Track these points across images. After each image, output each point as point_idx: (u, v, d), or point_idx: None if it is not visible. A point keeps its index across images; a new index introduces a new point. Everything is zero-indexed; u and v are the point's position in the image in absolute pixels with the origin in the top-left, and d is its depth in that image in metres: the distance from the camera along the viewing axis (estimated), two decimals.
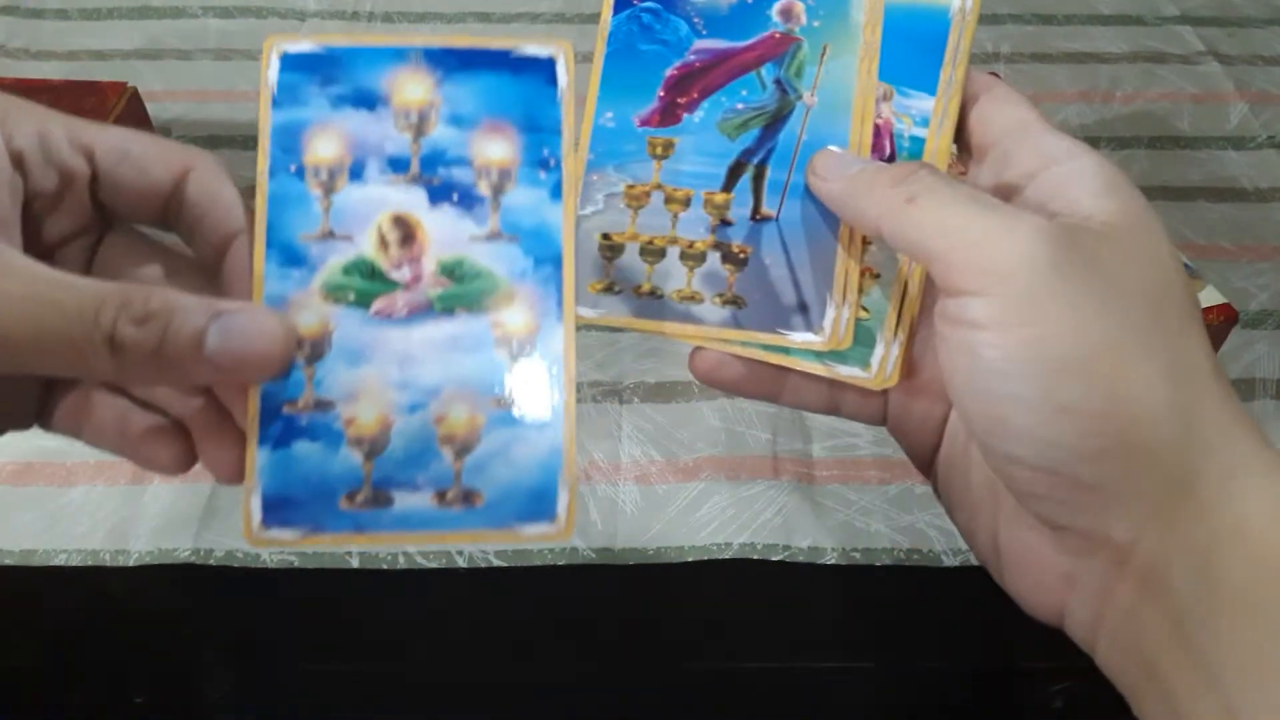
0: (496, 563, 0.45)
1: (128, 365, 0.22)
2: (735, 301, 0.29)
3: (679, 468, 0.48)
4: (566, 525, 0.25)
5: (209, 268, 0.27)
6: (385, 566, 0.45)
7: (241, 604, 0.45)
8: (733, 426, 0.49)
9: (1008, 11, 0.73)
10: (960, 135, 0.29)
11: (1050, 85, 0.68)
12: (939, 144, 0.28)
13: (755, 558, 0.45)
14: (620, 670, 0.43)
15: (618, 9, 0.30)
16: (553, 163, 0.27)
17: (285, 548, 0.26)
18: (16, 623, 0.44)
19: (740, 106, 0.29)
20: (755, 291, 0.28)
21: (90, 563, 0.44)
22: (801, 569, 0.45)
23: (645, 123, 0.29)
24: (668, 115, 0.29)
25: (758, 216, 0.29)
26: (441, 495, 0.25)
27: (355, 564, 0.45)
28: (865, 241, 0.29)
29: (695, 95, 0.29)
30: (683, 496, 0.47)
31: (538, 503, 0.25)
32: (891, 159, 0.29)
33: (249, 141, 0.62)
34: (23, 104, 0.25)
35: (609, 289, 0.29)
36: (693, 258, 0.29)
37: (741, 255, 0.29)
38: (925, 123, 0.29)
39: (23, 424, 0.27)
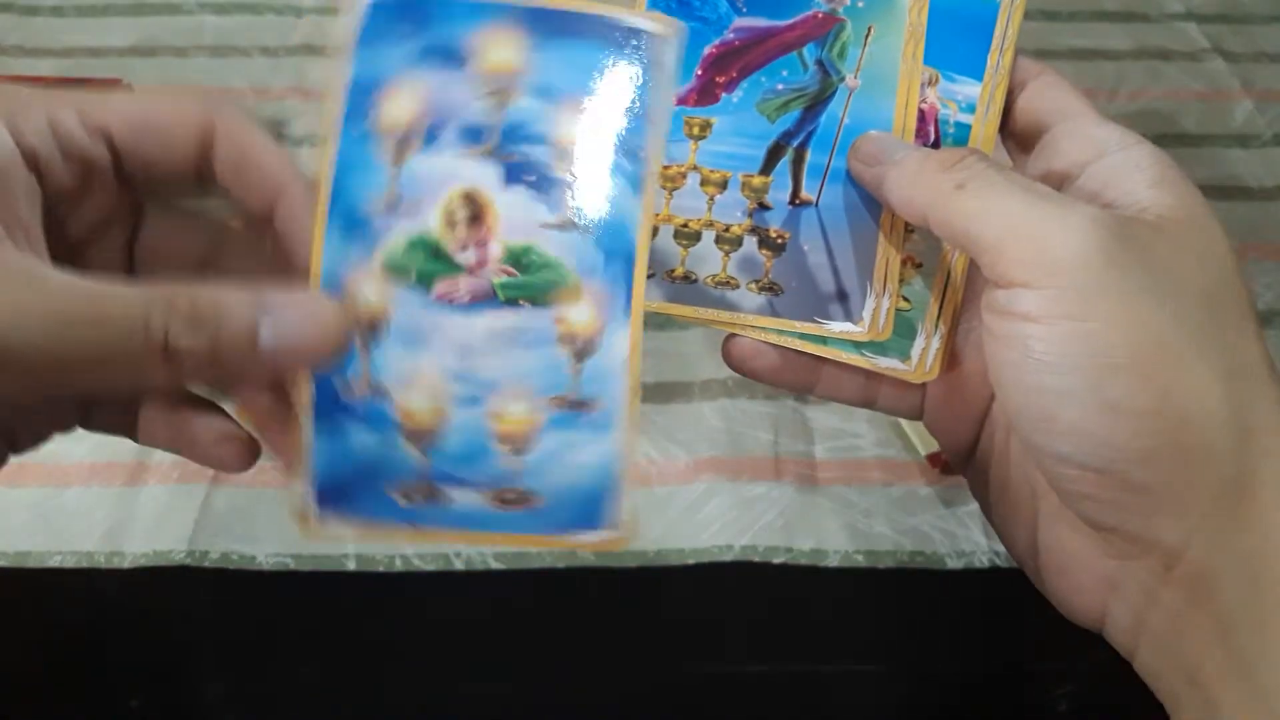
0: (495, 565, 0.44)
1: (185, 372, 0.21)
2: (772, 288, 0.28)
3: (680, 469, 0.47)
4: (627, 532, 0.25)
5: (258, 226, 0.25)
6: (382, 569, 0.44)
7: (237, 606, 0.44)
8: (734, 427, 0.49)
9: None
10: (1006, 123, 0.28)
11: None
12: (985, 131, 0.28)
13: (757, 560, 0.44)
14: (621, 673, 0.43)
15: None
16: (640, 153, 0.25)
17: (341, 542, 0.25)
18: (10, 625, 0.44)
19: (780, 87, 0.28)
20: (792, 278, 0.28)
21: (85, 564, 0.44)
22: (804, 571, 0.44)
23: (682, 101, 0.29)
24: (705, 94, 0.29)
25: (797, 201, 0.28)
26: (499, 495, 0.25)
27: (352, 566, 0.44)
28: (908, 230, 0.28)
29: (734, 74, 0.29)
30: (684, 498, 0.46)
31: (595, 508, 0.25)
32: (936, 145, 0.28)
33: None
34: (26, 93, 0.23)
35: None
36: (729, 242, 0.28)
37: (779, 240, 0.28)
38: (971, 109, 0.28)
39: (66, 427, 0.26)
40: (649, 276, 0.27)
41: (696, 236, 0.28)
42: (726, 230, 0.28)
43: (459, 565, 0.44)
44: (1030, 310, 0.23)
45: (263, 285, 0.22)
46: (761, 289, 0.28)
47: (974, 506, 0.46)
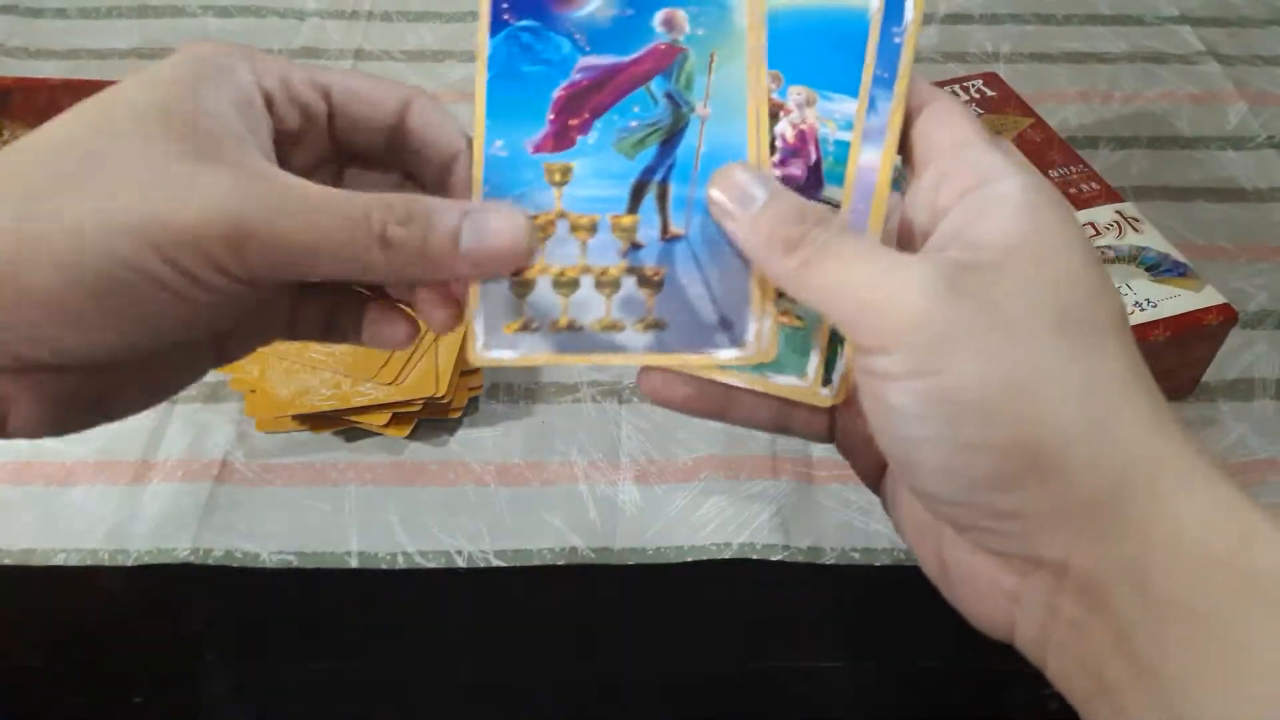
0: (496, 563, 0.45)
1: (398, 263, 0.25)
2: (657, 325, 0.28)
3: (678, 468, 0.48)
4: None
5: (436, 187, 0.29)
6: (385, 566, 0.45)
7: (241, 603, 0.45)
8: (732, 427, 0.49)
9: (1007, 11, 0.73)
10: (901, 147, 0.28)
11: (1050, 85, 0.68)
12: (882, 160, 0.28)
13: (754, 558, 0.45)
14: (619, 670, 0.43)
15: (494, 30, 0.29)
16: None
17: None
18: (16, 622, 0.44)
19: (634, 124, 0.28)
20: (676, 313, 0.28)
21: (89, 562, 0.44)
22: (800, 569, 0.45)
23: (539, 148, 0.28)
24: (561, 138, 0.28)
25: (667, 236, 0.28)
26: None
27: (354, 564, 0.45)
28: None
29: (587, 115, 0.28)
30: (682, 496, 0.47)
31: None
32: (818, 165, 0.28)
33: None
34: (265, 54, 0.27)
35: (526, 327, 0.28)
36: (607, 285, 0.28)
37: (656, 277, 0.28)
38: (849, 126, 0.28)
39: (281, 333, 0.30)
40: (534, 330, 0.28)
41: (575, 284, 0.28)
42: (604, 274, 0.28)
43: (460, 563, 0.45)
44: (887, 370, 0.24)
45: None
46: (647, 327, 0.28)
47: None
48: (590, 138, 0.28)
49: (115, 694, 0.42)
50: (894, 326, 0.24)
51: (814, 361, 0.28)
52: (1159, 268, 0.49)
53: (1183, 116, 0.66)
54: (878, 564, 0.45)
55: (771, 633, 0.44)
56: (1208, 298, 0.47)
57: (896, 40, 0.28)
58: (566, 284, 0.28)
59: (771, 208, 0.26)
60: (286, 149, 0.28)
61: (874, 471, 0.30)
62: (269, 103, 0.27)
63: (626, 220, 0.28)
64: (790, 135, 0.29)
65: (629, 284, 0.28)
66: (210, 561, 0.44)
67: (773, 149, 0.29)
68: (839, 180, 0.28)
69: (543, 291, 0.28)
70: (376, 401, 0.47)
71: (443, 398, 0.48)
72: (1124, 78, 0.68)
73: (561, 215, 0.28)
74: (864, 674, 0.43)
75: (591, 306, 0.28)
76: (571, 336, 0.28)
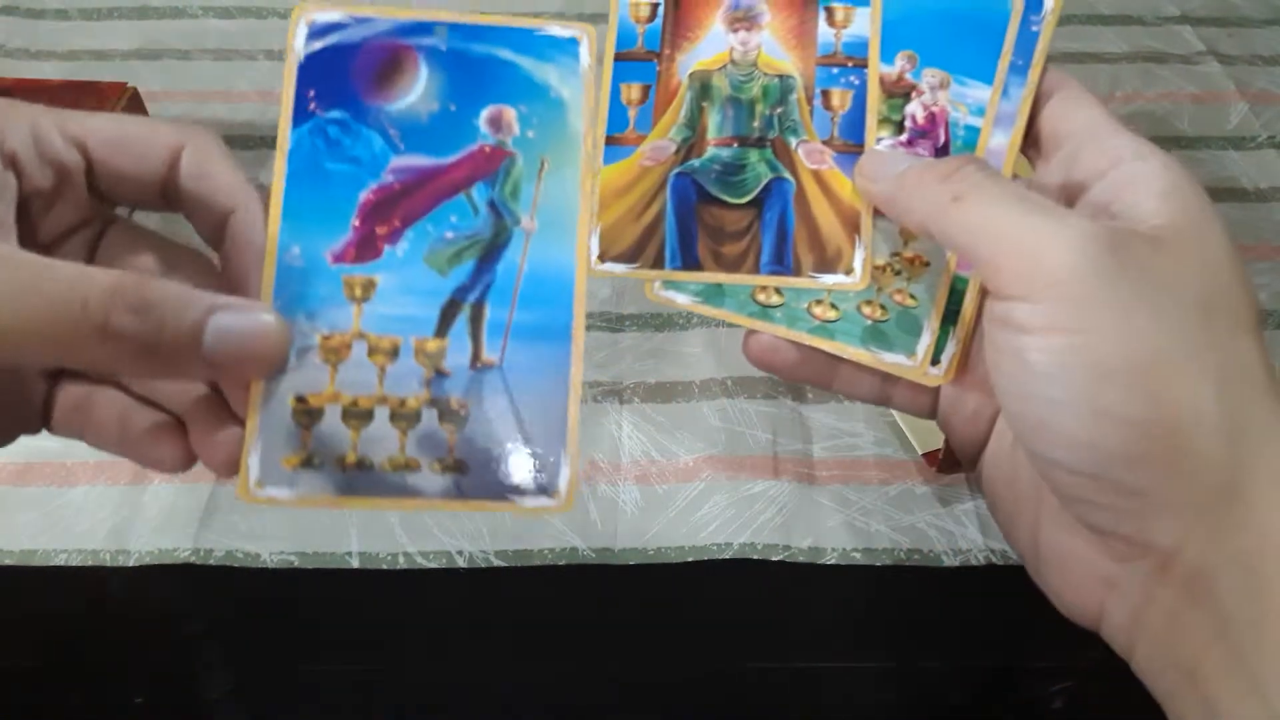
0: (496, 563, 0.45)
1: (122, 356, 0.22)
2: (457, 467, 0.25)
3: (679, 468, 0.48)
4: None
5: (214, 245, 0.26)
6: (385, 566, 0.45)
7: (241, 604, 0.45)
8: (733, 427, 0.49)
9: None
10: (1029, 133, 0.28)
11: None
12: (1009, 143, 0.28)
13: (755, 558, 0.45)
14: (620, 670, 0.43)
15: (297, 121, 0.26)
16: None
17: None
18: (16, 622, 0.44)
19: (450, 235, 0.26)
20: (480, 453, 0.25)
21: (90, 562, 0.44)
22: (801, 569, 0.45)
23: (339, 258, 0.25)
24: (366, 248, 0.26)
25: (478, 364, 0.25)
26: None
27: (355, 564, 0.45)
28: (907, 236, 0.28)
29: (397, 223, 0.26)
30: (683, 496, 0.47)
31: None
32: (946, 148, 0.28)
33: (248, 141, 0.62)
34: (12, 104, 0.25)
35: (308, 463, 0.25)
36: (405, 418, 0.25)
37: (461, 411, 0.25)
38: (981, 112, 0.28)
39: (30, 428, 0.27)
40: (316, 467, 0.25)
41: (368, 415, 0.25)
42: (402, 405, 0.25)
43: (460, 563, 0.45)
44: (1026, 322, 0.23)
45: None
46: (446, 469, 0.25)
47: (970, 505, 0.46)
48: (399, 249, 0.26)
49: (115, 694, 0.42)
50: (1043, 275, 0.23)
51: (925, 341, 0.28)
52: None
53: (1183, 116, 0.66)
54: (878, 564, 0.45)
55: (771, 633, 0.44)
56: None
57: (1034, 28, 0.28)
58: (359, 415, 0.25)
59: (920, 164, 0.26)
60: (38, 210, 0.25)
61: (973, 448, 0.29)
62: (13, 162, 0.24)
63: (432, 345, 0.25)
64: (921, 116, 0.28)
65: (430, 418, 0.25)
66: (211, 562, 0.44)
67: (901, 128, 0.28)
68: None
69: (331, 422, 0.25)
70: None
71: None
72: (1124, 78, 0.68)
73: (359, 336, 0.25)
74: (864, 674, 0.43)
75: (384, 442, 0.25)
76: (359, 476, 0.24)
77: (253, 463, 0.24)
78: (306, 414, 0.25)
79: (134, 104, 0.56)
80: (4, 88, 0.55)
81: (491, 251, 0.26)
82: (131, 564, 0.44)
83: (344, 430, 0.25)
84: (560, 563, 0.45)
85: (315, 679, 0.42)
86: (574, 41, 0.26)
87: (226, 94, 0.65)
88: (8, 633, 0.44)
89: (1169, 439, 0.22)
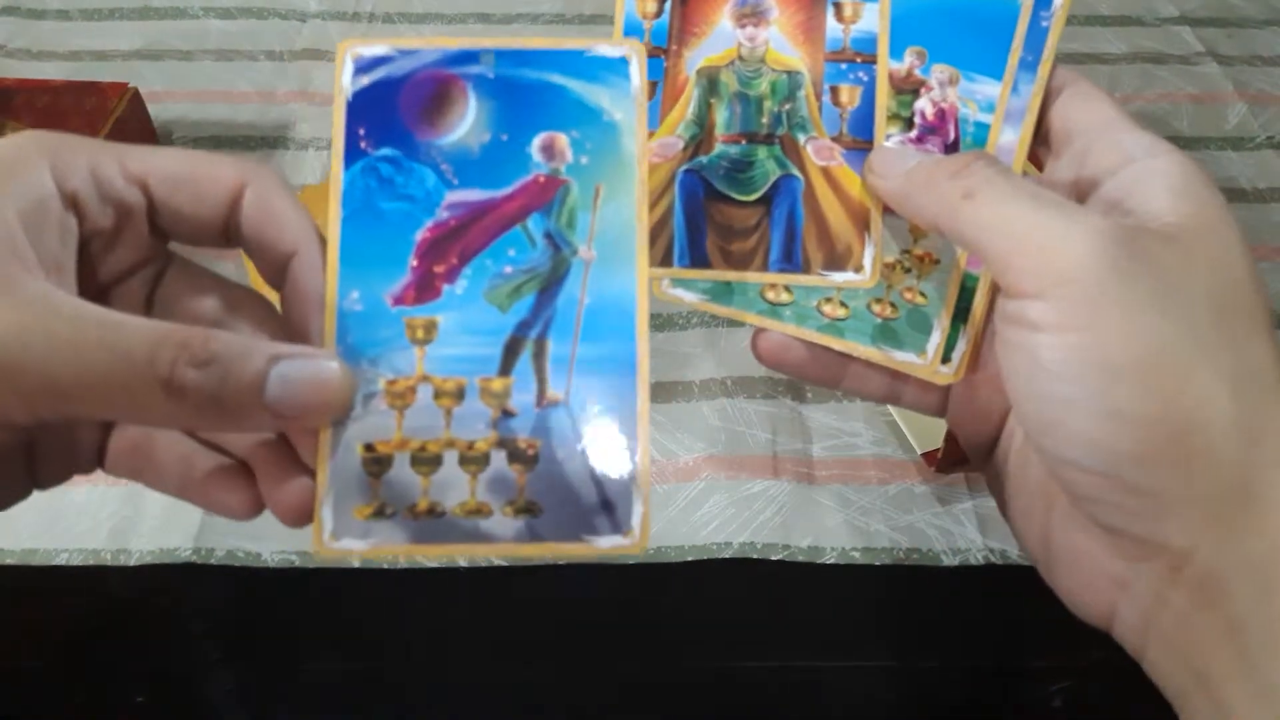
0: (497, 562, 0.45)
1: (186, 410, 0.21)
2: (529, 509, 0.24)
3: (679, 467, 0.48)
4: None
5: (275, 286, 0.26)
6: (386, 566, 0.45)
7: (242, 604, 0.45)
8: (733, 426, 0.49)
9: None
10: (1039, 129, 0.28)
11: None
12: (1019, 139, 0.28)
13: (755, 557, 0.45)
14: (620, 669, 0.43)
15: (349, 161, 0.25)
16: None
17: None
18: (17, 622, 0.44)
19: (509, 270, 0.25)
20: (550, 493, 0.24)
21: (91, 562, 0.44)
22: (801, 568, 0.45)
23: (399, 300, 0.25)
24: (425, 289, 0.25)
25: (544, 402, 0.25)
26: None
27: (356, 563, 0.45)
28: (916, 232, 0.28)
29: (455, 261, 0.25)
30: (683, 496, 0.47)
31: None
32: (956, 145, 0.28)
33: (249, 141, 0.62)
34: (73, 140, 0.24)
35: (380, 512, 0.24)
36: (474, 461, 0.24)
37: (530, 451, 0.24)
38: (991, 108, 0.28)
39: (84, 468, 0.26)
40: (389, 516, 0.24)
41: (438, 460, 0.24)
42: (470, 448, 0.24)
43: (460, 563, 0.45)
44: (1038, 320, 0.23)
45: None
46: (518, 512, 0.24)
47: (969, 504, 0.46)
48: (458, 287, 0.25)
49: (116, 694, 0.42)
50: (1054, 272, 0.23)
51: (935, 340, 0.28)
52: None
53: (1182, 117, 0.66)
54: (877, 563, 0.45)
55: (771, 632, 0.44)
56: None
57: (1044, 24, 0.28)
58: (428, 461, 0.24)
59: (929, 160, 0.26)
60: (98, 250, 0.25)
61: (983, 446, 0.29)
62: (75, 203, 0.23)
63: (498, 384, 0.25)
64: (930, 113, 0.28)
65: (499, 459, 0.24)
66: (212, 561, 0.44)
67: (911, 125, 0.28)
68: None
69: (400, 470, 0.24)
70: None
71: None
72: (1124, 78, 0.68)
73: (424, 379, 0.24)
74: (864, 674, 0.43)
75: (455, 487, 0.24)
76: (431, 524, 0.24)
77: (326, 515, 0.24)
78: (376, 462, 0.24)
79: (135, 104, 0.57)
80: (5, 88, 0.55)
81: (551, 284, 0.25)
82: (133, 563, 0.44)
83: (414, 477, 0.24)
84: (560, 562, 0.45)
85: (315, 679, 0.42)
86: (624, 61, 0.25)
87: (227, 94, 0.65)
88: (9, 632, 0.44)
89: (1181, 439, 0.22)
